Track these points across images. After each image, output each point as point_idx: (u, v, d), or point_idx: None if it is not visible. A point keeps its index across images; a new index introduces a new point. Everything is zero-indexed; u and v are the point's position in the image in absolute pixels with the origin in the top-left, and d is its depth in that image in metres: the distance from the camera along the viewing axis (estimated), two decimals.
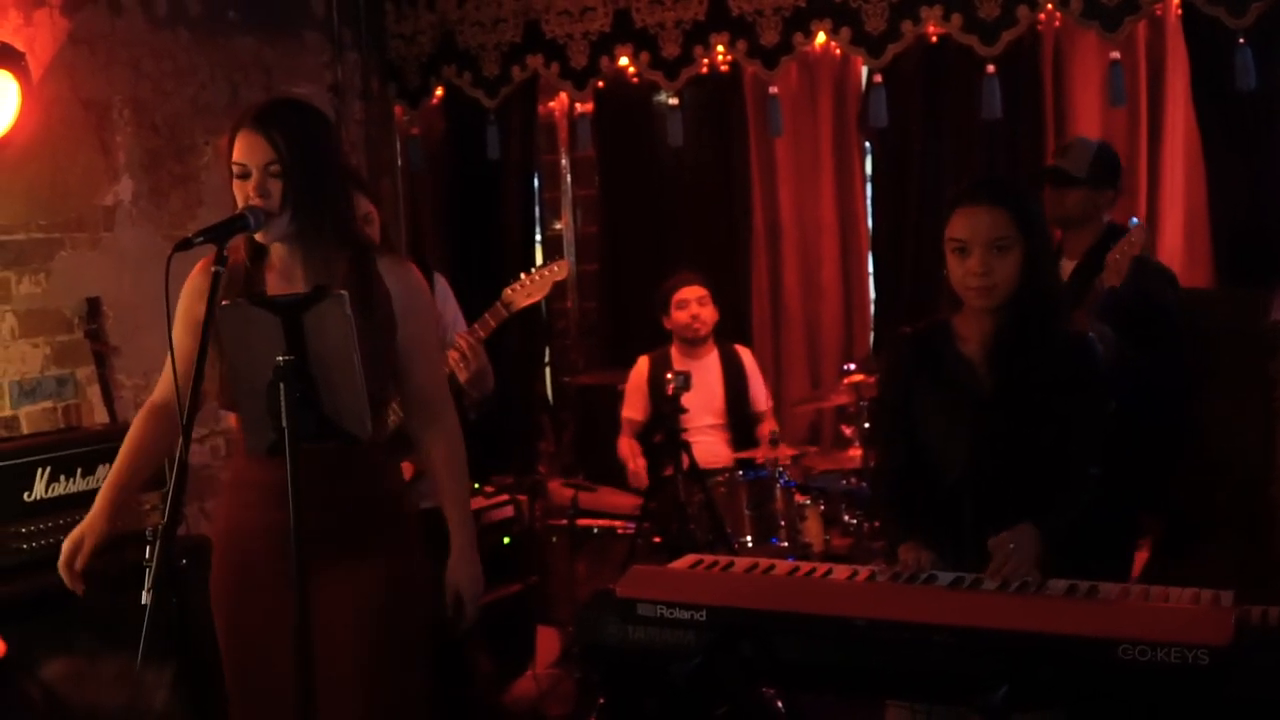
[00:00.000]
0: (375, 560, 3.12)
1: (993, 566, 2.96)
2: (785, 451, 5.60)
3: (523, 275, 4.69)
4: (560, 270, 4.75)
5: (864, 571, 3.07)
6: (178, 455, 2.69)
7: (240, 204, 3.01)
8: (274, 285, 3.12)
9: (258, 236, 3.04)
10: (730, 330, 6.13)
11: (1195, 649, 2.48)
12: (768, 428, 5.92)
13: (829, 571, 3.09)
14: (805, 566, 3.16)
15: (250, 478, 3.12)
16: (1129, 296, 4.04)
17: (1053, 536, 3.01)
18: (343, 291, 2.76)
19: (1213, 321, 4.72)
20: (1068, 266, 4.38)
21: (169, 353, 2.97)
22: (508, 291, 4.62)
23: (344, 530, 3.10)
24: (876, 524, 5.24)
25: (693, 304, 5.83)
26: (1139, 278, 4.07)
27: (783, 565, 3.17)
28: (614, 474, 6.02)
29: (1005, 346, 3.15)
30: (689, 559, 3.26)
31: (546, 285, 4.68)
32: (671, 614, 2.90)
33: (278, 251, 3.12)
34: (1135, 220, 4.24)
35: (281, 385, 2.69)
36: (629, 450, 5.98)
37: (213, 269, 2.84)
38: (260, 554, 3.06)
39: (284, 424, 2.70)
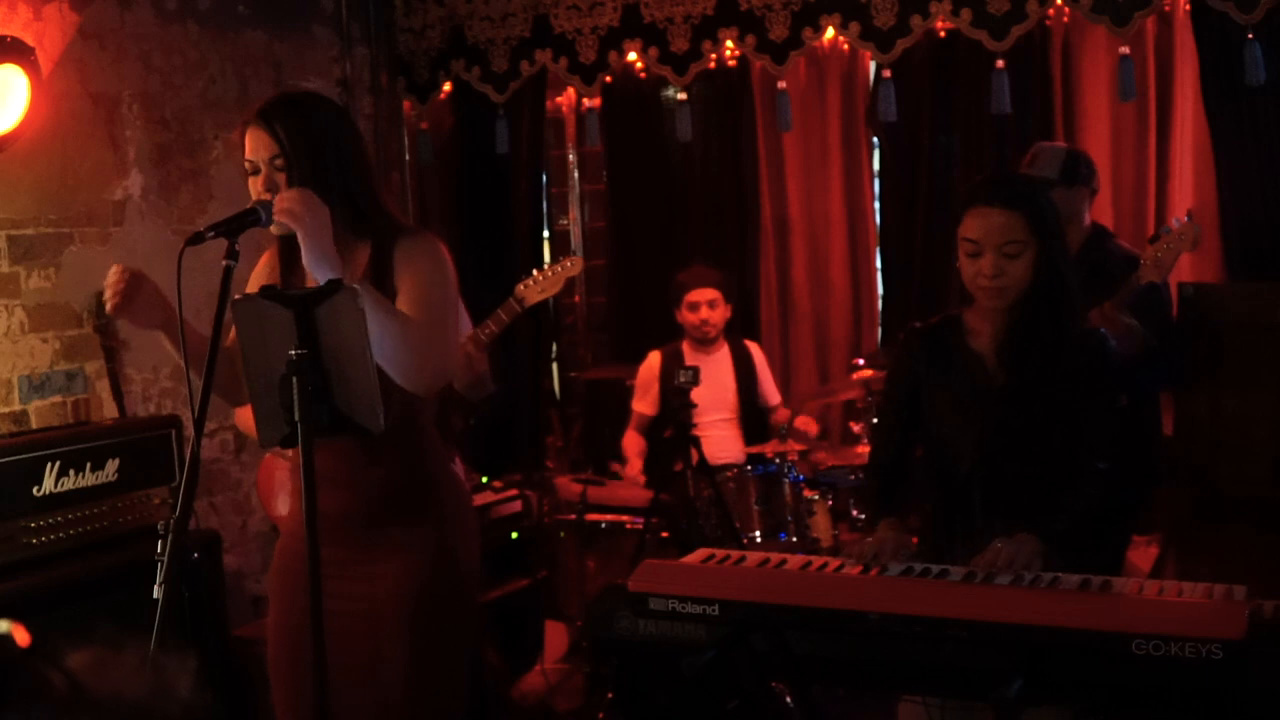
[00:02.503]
0: (424, 537, 3.14)
1: (984, 559, 2.97)
2: (794, 447, 5.60)
3: (535, 271, 4.67)
4: (574, 266, 4.74)
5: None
6: (189, 450, 2.68)
7: (253, 199, 3.03)
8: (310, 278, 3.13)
9: (272, 229, 3.05)
10: (738, 325, 6.13)
11: (1209, 643, 2.48)
12: (781, 417, 5.92)
13: (841, 566, 3.10)
14: (818, 561, 3.16)
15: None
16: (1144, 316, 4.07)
17: (1056, 535, 3.01)
18: (355, 285, 2.76)
19: (1224, 315, 4.72)
20: None
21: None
22: (520, 287, 4.61)
23: (391, 509, 3.13)
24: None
25: (703, 307, 5.82)
26: (1149, 301, 4.11)
27: (795, 559, 3.17)
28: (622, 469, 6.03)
29: (1017, 343, 3.15)
30: (701, 553, 3.26)
31: (559, 281, 4.66)
32: (684, 608, 2.91)
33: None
34: (1177, 221, 4.17)
35: (295, 379, 2.69)
36: (631, 448, 5.99)
37: (224, 263, 2.84)
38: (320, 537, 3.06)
39: (297, 418, 2.70)
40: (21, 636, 1.32)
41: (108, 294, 3.00)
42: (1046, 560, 2.96)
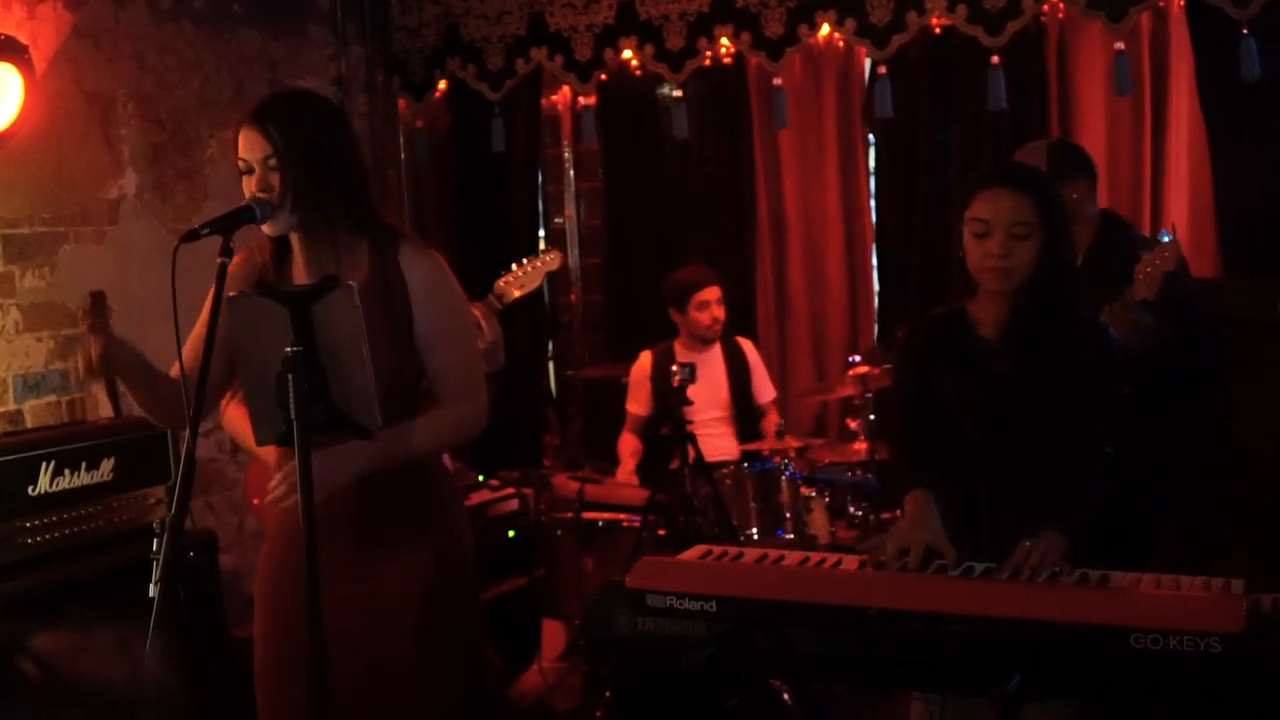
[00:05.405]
0: (422, 538, 3.13)
1: (1014, 561, 2.94)
2: (791, 444, 5.59)
3: (514, 266, 4.58)
4: (553, 260, 4.65)
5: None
6: (185, 449, 2.67)
7: (247, 197, 3.02)
8: (297, 277, 3.12)
9: (265, 228, 3.05)
10: (735, 323, 6.12)
11: (1207, 637, 2.48)
12: (772, 419, 5.91)
13: (839, 562, 3.09)
14: (816, 557, 3.15)
15: None
16: (1163, 307, 3.98)
17: (1078, 526, 3.00)
18: (351, 282, 2.76)
19: (1223, 311, 4.71)
20: None
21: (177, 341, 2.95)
22: (499, 283, 4.52)
23: (388, 511, 3.11)
24: (889, 515, 5.22)
25: (714, 305, 5.80)
26: (1170, 290, 4.00)
27: (793, 555, 3.16)
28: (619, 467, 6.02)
29: (1022, 328, 3.15)
30: (699, 549, 3.25)
31: (539, 276, 4.57)
32: (682, 605, 2.89)
33: (295, 243, 3.12)
34: (1166, 235, 4.11)
35: (290, 376, 2.68)
36: (627, 449, 5.98)
37: (218, 260, 2.83)
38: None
39: (293, 415, 2.69)
40: None
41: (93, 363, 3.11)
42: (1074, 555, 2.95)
